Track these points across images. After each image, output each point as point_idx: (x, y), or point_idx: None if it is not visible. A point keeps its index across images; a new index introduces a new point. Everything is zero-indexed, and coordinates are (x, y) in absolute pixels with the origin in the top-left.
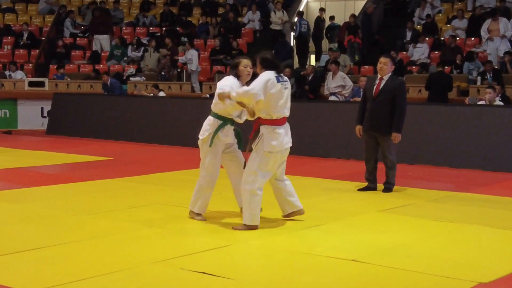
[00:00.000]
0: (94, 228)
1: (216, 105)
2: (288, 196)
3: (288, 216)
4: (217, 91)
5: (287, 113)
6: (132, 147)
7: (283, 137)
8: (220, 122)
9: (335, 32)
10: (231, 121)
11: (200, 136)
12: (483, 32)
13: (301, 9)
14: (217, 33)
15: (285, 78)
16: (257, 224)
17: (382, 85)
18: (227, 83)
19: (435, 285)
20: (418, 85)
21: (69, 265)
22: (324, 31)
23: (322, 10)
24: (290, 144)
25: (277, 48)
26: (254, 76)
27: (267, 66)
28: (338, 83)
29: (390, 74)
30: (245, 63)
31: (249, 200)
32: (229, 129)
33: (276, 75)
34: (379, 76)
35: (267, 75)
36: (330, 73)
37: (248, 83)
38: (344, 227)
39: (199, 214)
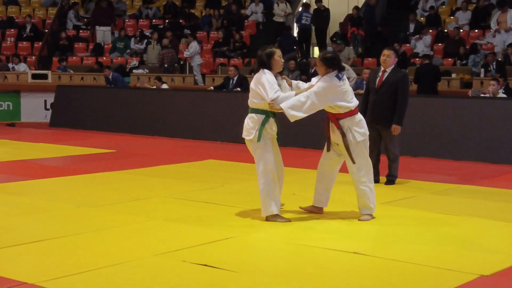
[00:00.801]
0: (96, 221)
1: (253, 102)
2: (329, 190)
3: (311, 210)
4: (264, 94)
5: (357, 101)
6: (135, 140)
7: (365, 122)
8: (263, 116)
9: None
10: (273, 113)
11: (247, 137)
12: (493, 24)
13: (304, 1)
14: (220, 25)
15: (343, 73)
16: None
17: (385, 77)
18: (274, 86)
19: (437, 278)
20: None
21: (72, 257)
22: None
23: (319, 1)
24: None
25: (281, 40)
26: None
27: (331, 66)
28: None
29: (393, 66)
30: (279, 54)
31: (370, 195)
32: (273, 122)
33: (336, 74)
34: (382, 69)
35: (327, 84)
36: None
37: (280, 73)
38: (346, 219)
39: (278, 215)
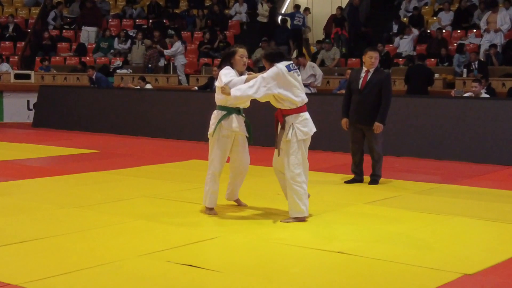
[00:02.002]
0: (80, 221)
1: (217, 98)
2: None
3: None
4: (219, 84)
5: (306, 98)
6: (119, 140)
7: (311, 122)
8: (223, 112)
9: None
10: (237, 110)
11: (209, 132)
12: (482, 24)
13: (287, 2)
14: (204, 25)
15: (295, 66)
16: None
17: (368, 77)
18: (229, 74)
19: (421, 277)
20: (404, 77)
21: (56, 258)
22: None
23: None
24: (315, 130)
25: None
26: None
27: (274, 60)
28: (308, 73)
29: (376, 66)
30: (241, 53)
31: (303, 196)
32: (234, 119)
33: (287, 64)
34: (365, 69)
35: (275, 69)
36: (301, 67)
37: (243, 74)
38: (331, 219)
39: (210, 209)
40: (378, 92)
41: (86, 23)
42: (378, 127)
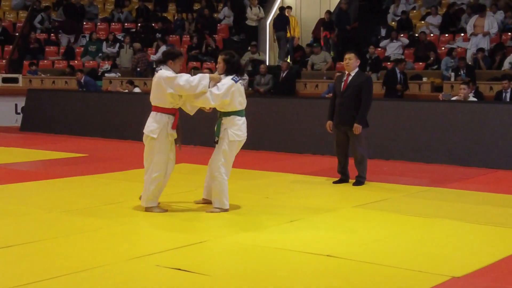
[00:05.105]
0: (68, 225)
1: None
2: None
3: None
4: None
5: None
6: (107, 144)
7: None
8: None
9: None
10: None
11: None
12: (469, 27)
13: (276, 6)
14: (194, 29)
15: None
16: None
17: (349, 80)
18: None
19: (409, 279)
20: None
21: (43, 262)
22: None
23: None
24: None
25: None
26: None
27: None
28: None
29: (357, 69)
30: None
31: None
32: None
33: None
34: (346, 72)
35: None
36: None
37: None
38: (319, 222)
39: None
40: (358, 94)
41: (64, 31)
42: (356, 128)
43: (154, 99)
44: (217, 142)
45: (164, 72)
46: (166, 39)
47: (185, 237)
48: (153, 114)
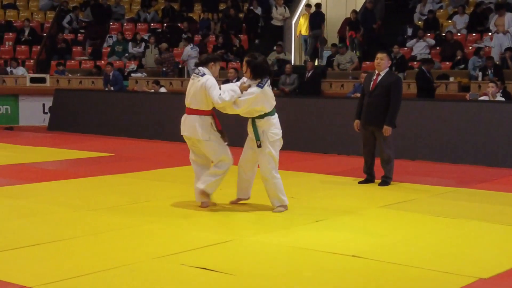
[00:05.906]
0: (94, 224)
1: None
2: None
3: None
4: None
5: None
6: (133, 143)
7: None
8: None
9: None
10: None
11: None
12: (492, 26)
13: (302, 5)
14: (220, 29)
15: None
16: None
17: (379, 80)
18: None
19: (435, 280)
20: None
21: (69, 261)
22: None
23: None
24: (185, 133)
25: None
26: None
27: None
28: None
29: (387, 69)
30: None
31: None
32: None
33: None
34: (376, 72)
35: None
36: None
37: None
38: (344, 222)
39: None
40: (387, 94)
41: (90, 37)
42: (386, 130)
43: (195, 103)
44: (260, 146)
45: (209, 81)
46: (192, 39)
47: (211, 236)
48: (195, 118)
